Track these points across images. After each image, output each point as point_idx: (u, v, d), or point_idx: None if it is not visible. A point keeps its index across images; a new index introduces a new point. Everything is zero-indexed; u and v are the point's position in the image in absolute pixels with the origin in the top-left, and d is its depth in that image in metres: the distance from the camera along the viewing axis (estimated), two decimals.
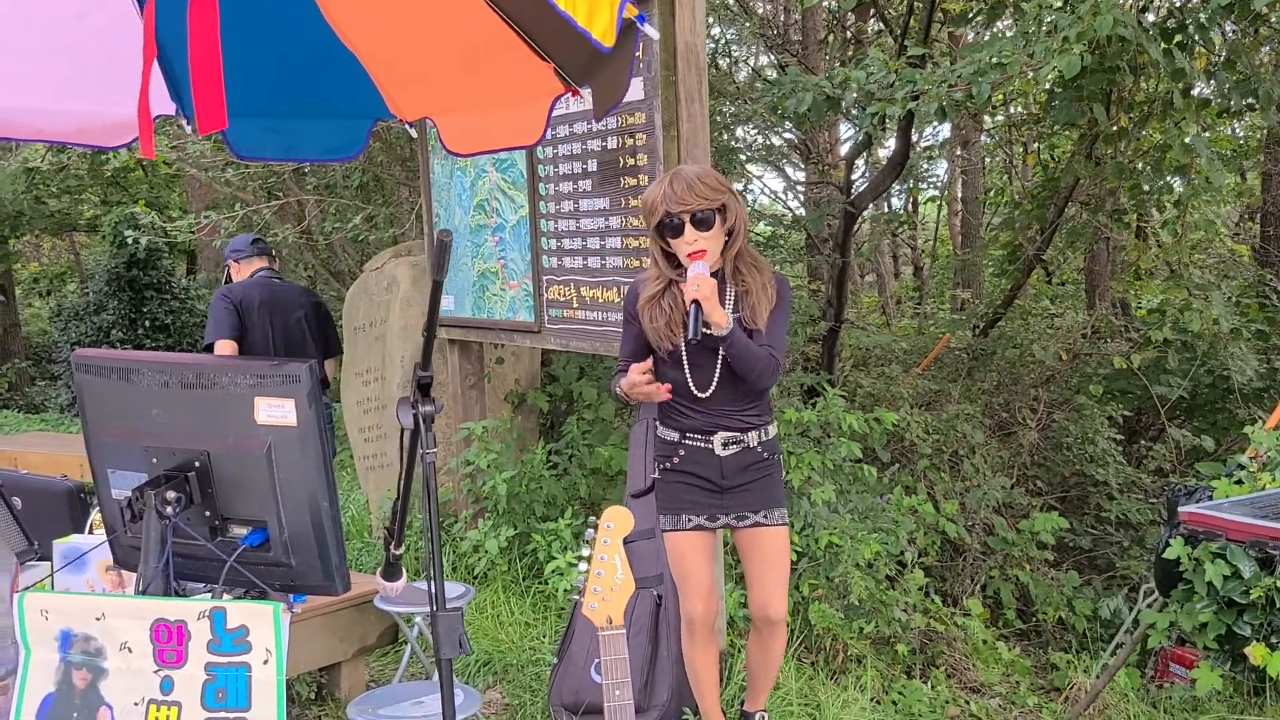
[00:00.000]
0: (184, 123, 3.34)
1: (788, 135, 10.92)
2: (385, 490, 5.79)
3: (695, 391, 3.20)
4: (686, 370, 3.21)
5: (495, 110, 2.88)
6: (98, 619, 1.85)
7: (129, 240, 8.54)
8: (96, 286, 11.72)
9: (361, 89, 3.09)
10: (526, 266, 4.69)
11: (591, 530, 2.15)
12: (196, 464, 1.88)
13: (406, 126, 3.25)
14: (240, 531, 1.92)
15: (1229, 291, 8.09)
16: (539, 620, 4.78)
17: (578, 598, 3.99)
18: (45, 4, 3.05)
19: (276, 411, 1.83)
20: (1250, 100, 6.37)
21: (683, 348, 3.19)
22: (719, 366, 3.19)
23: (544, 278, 4.61)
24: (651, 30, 2.10)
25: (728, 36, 10.80)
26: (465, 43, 2.73)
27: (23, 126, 3.27)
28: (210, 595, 1.96)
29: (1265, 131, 9.04)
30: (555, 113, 4.28)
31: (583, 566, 2.14)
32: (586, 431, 5.61)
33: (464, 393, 5.39)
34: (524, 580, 5.02)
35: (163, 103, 3.30)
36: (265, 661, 1.78)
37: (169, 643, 1.81)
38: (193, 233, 7.03)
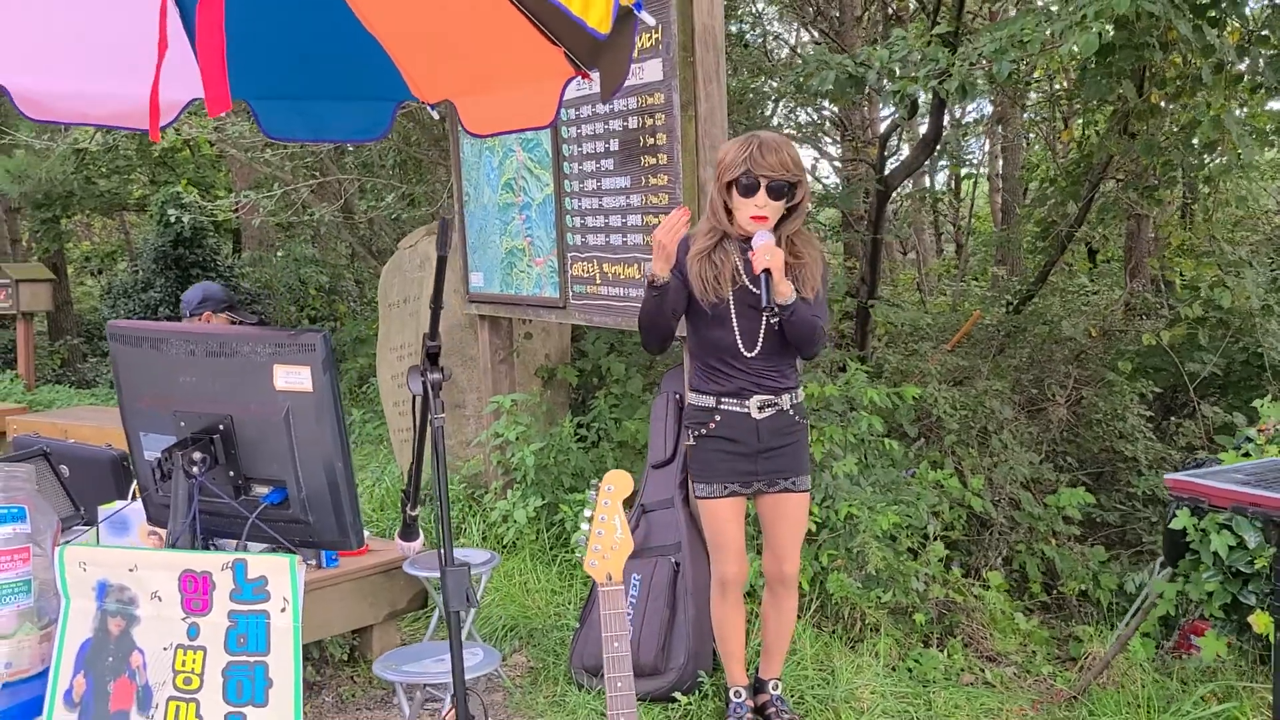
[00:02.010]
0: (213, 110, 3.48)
1: (826, 112, 10.95)
2: (410, 463, 5.95)
3: (742, 349, 3.29)
4: (735, 327, 3.30)
5: (510, 92, 2.99)
6: (131, 570, 2.00)
7: (173, 219, 8.74)
8: (144, 265, 11.97)
9: (384, 72, 3.21)
10: (552, 244, 4.81)
11: (594, 492, 2.27)
12: (220, 427, 2.02)
13: (429, 108, 3.36)
14: (261, 490, 2.06)
15: (1267, 268, 8.04)
16: (564, 588, 4.92)
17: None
18: None
19: (294, 378, 1.96)
20: None
21: (729, 304, 3.28)
22: (764, 325, 3.29)
23: (568, 255, 4.72)
24: (648, 17, 2.20)
25: (766, 12, 10.82)
26: (481, 27, 2.84)
27: (67, 110, 3.42)
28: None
29: None
30: (578, 93, 4.40)
31: (584, 527, 2.26)
32: (614, 406, 5.73)
33: (494, 367, 5.53)
34: (551, 549, 5.16)
35: (196, 87, 3.44)
36: (283, 610, 1.92)
37: (195, 592, 1.95)
38: (234, 212, 7.20)
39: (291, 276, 12.15)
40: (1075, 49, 4.59)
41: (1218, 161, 7.03)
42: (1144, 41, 5.79)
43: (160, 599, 1.98)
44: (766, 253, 3.11)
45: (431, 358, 2.09)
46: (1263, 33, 6.30)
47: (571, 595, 4.87)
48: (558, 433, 5.37)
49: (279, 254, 12.28)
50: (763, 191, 3.17)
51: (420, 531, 2.47)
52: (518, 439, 5.21)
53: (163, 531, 2.83)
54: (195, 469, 1.98)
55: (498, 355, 5.52)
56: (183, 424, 2.05)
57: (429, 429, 2.14)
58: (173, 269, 11.64)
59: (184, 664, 1.95)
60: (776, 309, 3.18)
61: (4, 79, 3.26)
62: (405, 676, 3.11)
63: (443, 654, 3.31)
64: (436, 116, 3.53)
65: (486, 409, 5.48)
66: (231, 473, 2.05)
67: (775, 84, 8.67)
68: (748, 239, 3.25)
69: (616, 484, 2.26)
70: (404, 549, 2.51)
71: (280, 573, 1.91)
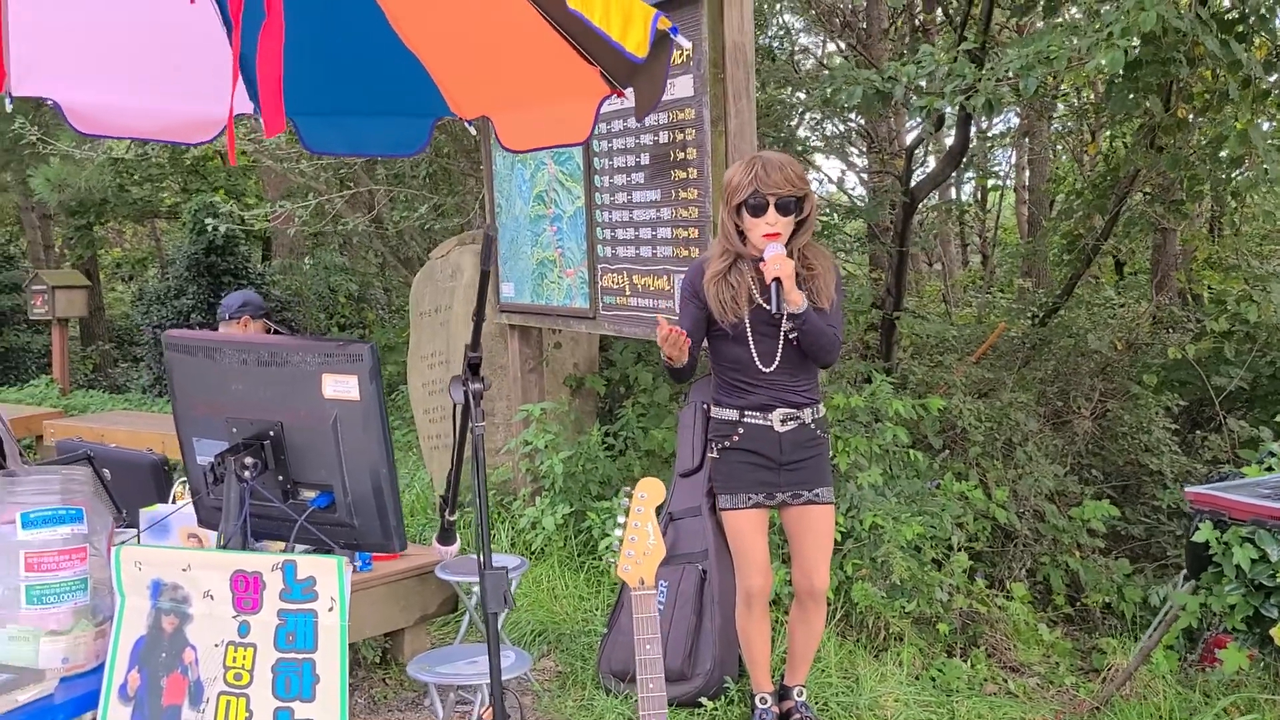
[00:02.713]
0: (260, 121, 3.58)
1: (852, 123, 10.99)
2: (448, 470, 6.04)
3: (759, 366, 3.37)
4: (751, 345, 3.38)
5: (546, 109, 3.07)
6: (184, 570, 2.08)
7: (209, 228, 8.88)
8: (176, 272, 12.14)
9: (424, 89, 3.30)
10: (582, 255, 4.89)
11: (626, 499, 2.34)
12: (271, 433, 2.10)
13: (466, 124, 3.45)
14: (309, 494, 2.14)
15: None
16: (592, 594, 4.99)
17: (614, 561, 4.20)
18: (133, 10, 3.30)
19: (342, 387, 2.04)
20: None
21: (746, 322, 3.36)
22: (781, 341, 3.36)
23: (599, 266, 4.80)
24: (683, 41, 2.28)
25: (793, 25, 10.89)
26: (519, 47, 2.93)
27: (112, 124, 3.53)
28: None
29: None
30: (608, 109, 4.47)
31: (618, 533, 2.34)
32: (642, 415, 5.80)
33: (523, 376, 5.62)
34: (578, 556, 5.23)
35: (242, 102, 3.55)
36: (330, 609, 2.00)
37: (246, 591, 2.04)
38: (269, 220, 7.33)
39: (321, 284, 12.29)
40: (1102, 65, 4.63)
41: (1244, 176, 7.05)
42: (1171, 57, 5.82)
43: (212, 598, 2.06)
44: (776, 262, 3.19)
45: (473, 368, 2.17)
46: None
47: (599, 601, 4.95)
48: (586, 441, 5.45)
49: (308, 262, 12.43)
50: (772, 209, 3.25)
51: (457, 536, 2.55)
52: (547, 447, 5.29)
53: (202, 534, 2.92)
54: (247, 473, 2.07)
55: (528, 364, 5.60)
56: (235, 430, 2.14)
57: (469, 436, 2.22)
58: (205, 276, 11.79)
59: (235, 660, 2.03)
60: (790, 319, 3.26)
61: (55, 94, 3.37)
62: (439, 678, 3.19)
63: (475, 656, 3.39)
64: (474, 132, 3.61)
65: (516, 417, 5.57)
66: (280, 477, 2.13)
67: (802, 96, 8.73)
68: (761, 259, 3.33)
69: (649, 491, 2.33)
70: (441, 552, 2.59)
71: (329, 574, 1.99)
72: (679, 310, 3.54)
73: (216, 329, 5.27)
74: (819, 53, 12.64)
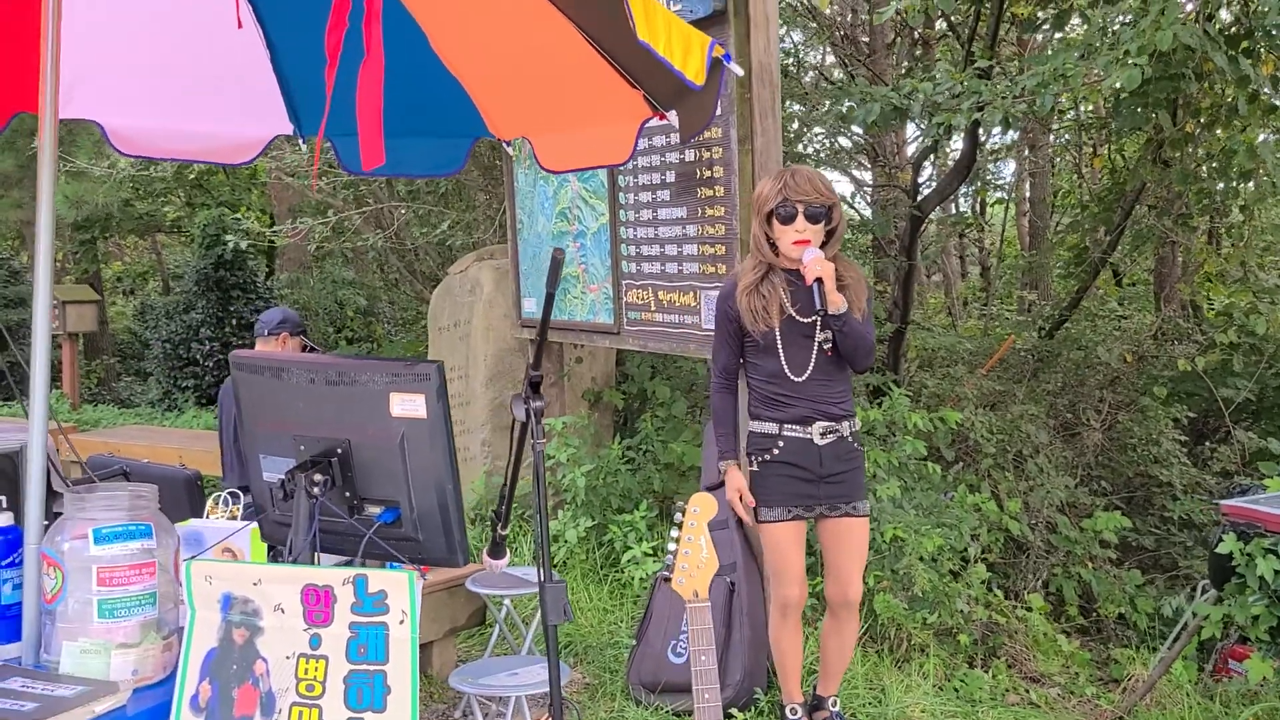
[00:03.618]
0: (300, 142, 3.65)
1: (855, 138, 11.07)
2: (470, 484, 6.10)
3: (791, 375, 3.43)
4: (781, 355, 3.44)
5: (587, 131, 3.13)
6: (255, 584, 2.13)
7: (227, 243, 8.95)
8: (185, 286, 12.20)
9: (463, 110, 3.37)
10: (606, 271, 4.95)
11: (680, 514, 2.40)
12: (339, 451, 2.16)
13: (504, 145, 3.52)
14: (375, 510, 2.19)
15: None
16: (615, 606, 5.04)
17: (659, 578, 4.26)
18: (176, 33, 3.36)
19: (409, 405, 2.10)
20: None
21: (777, 331, 3.42)
22: (815, 350, 3.43)
23: (623, 282, 4.86)
24: (736, 68, 2.34)
25: (794, 40, 10.97)
26: (560, 69, 2.99)
27: (154, 146, 3.59)
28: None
29: None
30: None
31: (671, 546, 2.39)
32: (660, 428, 5.86)
33: (545, 390, 5.67)
34: (601, 569, 5.28)
35: (281, 123, 3.61)
36: (401, 621, 2.05)
37: (318, 605, 2.09)
38: (289, 237, 7.40)
39: (329, 299, 12.36)
40: (1118, 83, 4.71)
41: (1251, 189, 7.14)
42: (1179, 73, 5.91)
43: (283, 611, 2.11)
44: (817, 264, 3.27)
45: (534, 386, 2.23)
46: None
47: (622, 614, 5.00)
48: (606, 455, 5.50)
49: (315, 276, 12.50)
50: (801, 217, 3.34)
51: (507, 550, 2.61)
52: (569, 461, 5.34)
53: (236, 549, 2.97)
54: (316, 490, 2.12)
55: (549, 379, 5.66)
56: (302, 448, 2.19)
57: (527, 453, 2.27)
58: (214, 290, 11.86)
59: (306, 672, 2.08)
60: (833, 322, 3.32)
61: (99, 116, 3.44)
62: (481, 689, 3.24)
63: (512, 669, 3.44)
64: (512, 153, 3.68)
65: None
66: (347, 493, 2.19)
67: (801, 109, 8.80)
68: (793, 270, 3.39)
69: (702, 506, 2.38)
70: (492, 565, 2.64)
71: (400, 588, 2.04)
72: (714, 340, 3.61)
73: (253, 345, 5.30)
74: (819, 64, 12.71)
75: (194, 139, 3.54)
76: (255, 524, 2.83)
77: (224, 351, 11.78)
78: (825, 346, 3.42)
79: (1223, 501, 2.66)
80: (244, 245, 8.28)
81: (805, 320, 3.40)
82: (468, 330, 6.18)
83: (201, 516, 3.82)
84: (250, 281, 12.07)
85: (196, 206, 15.86)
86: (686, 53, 2.09)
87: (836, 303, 3.30)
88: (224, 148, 3.56)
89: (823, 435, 3.45)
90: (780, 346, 3.44)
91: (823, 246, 3.41)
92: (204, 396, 11.82)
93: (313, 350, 5.07)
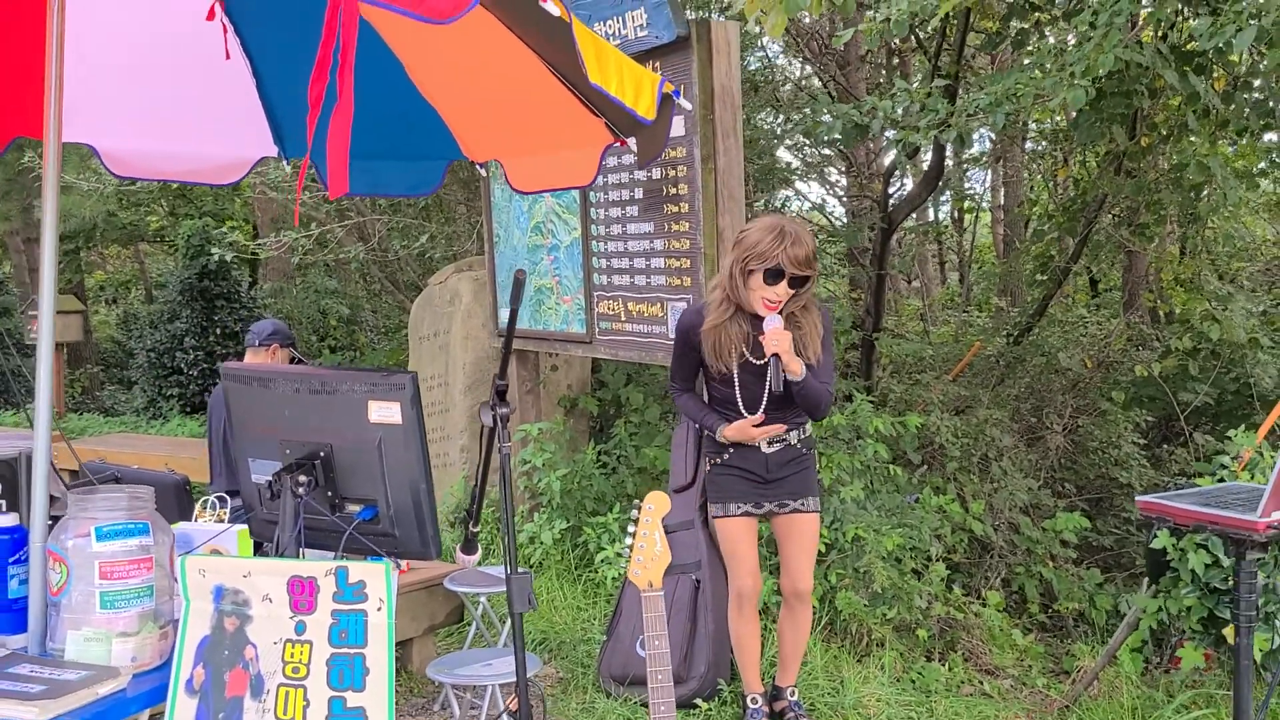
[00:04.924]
0: (285, 164, 3.85)
1: (827, 152, 11.30)
2: (448, 488, 6.29)
3: (745, 413, 3.64)
4: (738, 394, 3.65)
5: (554, 155, 3.35)
6: (245, 576, 2.33)
7: (213, 254, 9.12)
8: (169, 296, 12.34)
9: (439, 135, 3.58)
10: (579, 283, 5.16)
11: (636, 510, 2.61)
12: (321, 454, 2.36)
13: (478, 167, 3.73)
14: (355, 508, 2.40)
15: (1259, 301, 8.37)
16: (589, 605, 5.25)
17: (627, 577, 4.47)
18: (166, 62, 3.55)
19: (386, 412, 2.30)
20: (1268, 120, 6.68)
21: (734, 374, 3.62)
22: (766, 391, 3.62)
23: (595, 294, 5.08)
24: (685, 103, 2.56)
25: (770, 50, 11.20)
26: (529, 98, 3.21)
27: (146, 167, 3.79)
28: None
29: None
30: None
31: (629, 541, 2.60)
32: (634, 434, 6.07)
33: (521, 397, 5.88)
34: (575, 569, 5.49)
35: (266, 145, 3.81)
36: (379, 609, 2.26)
37: (302, 594, 2.29)
38: (274, 250, 7.59)
39: (312, 308, 12.53)
40: (1066, 101, 4.94)
41: (1205, 200, 7.39)
42: (1134, 89, 6.14)
43: (271, 600, 2.31)
44: (775, 337, 3.44)
45: (500, 394, 2.44)
46: (1246, 79, 6.66)
47: (595, 612, 5.20)
48: (581, 459, 5.71)
49: (298, 285, 12.66)
50: (785, 283, 3.47)
51: (479, 546, 2.81)
52: (544, 465, 5.54)
53: (223, 549, 3.17)
54: (301, 490, 2.33)
55: (525, 386, 5.87)
56: (288, 451, 2.39)
57: (494, 456, 2.48)
58: (198, 300, 12.01)
59: (292, 656, 2.28)
60: (791, 385, 3.49)
61: (94, 140, 3.64)
62: (456, 678, 3.44)
63: (487, 660, 3.64)
64: (484, 174, 3.88)
65: (514, 436, 5.83)
66: (329, 493, 2.39)
67: (773, 118, 9.03)
68: (756, 315, 3.56)
69: (656, 503, 2.59)
70: (464, 561, 2.85)
71: (377, 577, 2.25)
72: (673, 357, 3.79)
73: (239, 354, 5.49)
74: (795, 75, 12.92)
75: (183, 160, 3.74)
76: (244, 526, 3.03)
77: (208, 360, 11.94)
78: (774, 387, 3.55)
79: (1139, 498, 2.87)
80: (229, 258, 8.45)
81: (759, 362, 3.58)
82: (447, 340, 6.38)
83: (190, 520, 4.01)
84: (234, 291, 12.23)
85: (180, 216, 16.00)
86: (638, 91, 2.30)
87: (795, 371, 3.47)
88: (211, 168, 3.76)
89: (769, 444, 3.67)
90: (736, 386, 3.65)
91: (790, 298, 3.56)
92: (188, 405, 11.98)
93: (300, 361, 5.27)
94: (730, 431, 3.62)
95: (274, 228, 11.54)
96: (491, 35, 2.90)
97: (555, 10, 1.94)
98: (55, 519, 2.52)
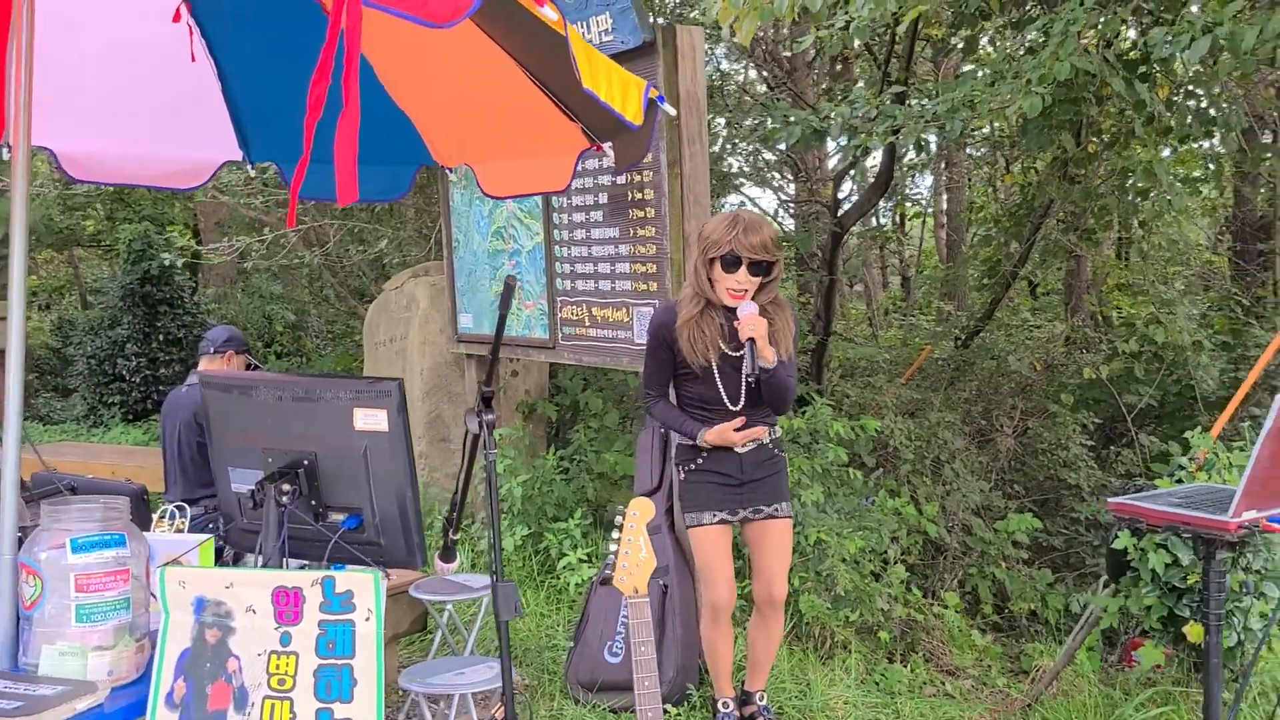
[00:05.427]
0: (249, 168, 3.79)
1: (778, 153, 11.37)
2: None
3: (728, 405, 3.64)
4: (720, 386, 3.64)
5: (528, 160, 3.33)
6: (227, 587, 2.29)
7: (164, 260, 8.95)
8: (110, 302, 12.11)
9: (409, 139, 3.54)
10: (542, 288, 5.14)
11: (620, 516, 2.60)
12: (305, 462, 2.33)
13: (447, 171, 3.70)
14: (338, 516, 2.37)
15: (1198, 304, 8.56)
16: (552, 611, 5.23)
17: (596, 581, 4.46)
18: (130, 64, 3.49)
19: (372, 419, 2.28)
20: (1210, 128, 6.83)
21: (714, 366, 3.62)
22: (744, 382, 3.63)
23: (558, 299, 5.06)
24: (669, 108, 2.56)
25: (717, 56, 11.24)
26: (502, 102, 3.18)
27: (106, 171, 3.71)
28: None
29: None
30: None
31: (613, 547, 2.59)
32: (593, 439, 6.06)
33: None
34: (538, 575, 5.46)
35: (231, 149, 3.75)
36: (367, 619, 2.23)
37: (288, 605, 2.25)
38: (225, 255, 7.48)
39: (257, 313, 12.35)
40: (1023, 109, 5.01)
41: (1150, 205, 7.54)
42: (1081, 96, 6.25)
43: (255, 612, 2.27)
44: (751, 322, 3.46)
45: (485, 401, 2.42)
46: (1189, 87, 6.81)
47: (559, 618, 5.18)
48: (541, 465, 5.69)
49: (242, 290, 12.48)
50: (744, 269, 3.50)
51: (458, 553, 2.79)
52: (505, 471, 5.51)
53: (184, 560, 3.12)
54: (285, 498, 2.29)
55: None
56: (270, 460, 2.35)
57: (477, 463, 2.46)
58: (140, 306, 11.79)
59: (278, 667, 2.25)
60: (761, 373, 3.53)
61: (52, 143, 3.56)
62: (430, 688, 3.40)
63: (459, 668, 3.61)
64: (454, 179, 3.85)
65: None
66: (313, 501, 2.36)
67: (722, 122, 9.07)
68: (728, 306, 3.59)
69: (640, 510, 2.59)
70: (442, 569, 2.82)
71: (365, 587, 2.22)
72: (646, 362, 3.78)
73: (182, 360, 5.40)
74: (742, 80, 12.99)
75: (144, 164, 3.66)
76: (208, 538, 2.98)
77: (151, 367, 11.73)
78: (751, 383, 3.62)
79: (1110, 499, 2.92)
80: (179, 263, 8.31)
81: (736, 355, 3.61)
82: (404, 345, 6.32)
83: (148, 530, 3.93)
84: (177, 297, 12.02)
85: (117, 221, 15.70)
86: (625, 96, 2.30)
87: (769, 359, 3.50)
88: (175, 172, 3.69)
89: (743, 444, 3.68)
90: (718, 379, 3.65)
91: (758, 291, 3.60)
92: (130, 412, 11.76)
93: (256, 368, 5.18)
94: (712, 435, 3.62)
95: (219, 232, 11.39)
96: (464, 39, 2.88)
97: (553, 15, 1.94)
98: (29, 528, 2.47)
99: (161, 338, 11.81)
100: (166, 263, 8.94)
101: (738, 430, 3.60)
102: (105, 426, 11.51)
